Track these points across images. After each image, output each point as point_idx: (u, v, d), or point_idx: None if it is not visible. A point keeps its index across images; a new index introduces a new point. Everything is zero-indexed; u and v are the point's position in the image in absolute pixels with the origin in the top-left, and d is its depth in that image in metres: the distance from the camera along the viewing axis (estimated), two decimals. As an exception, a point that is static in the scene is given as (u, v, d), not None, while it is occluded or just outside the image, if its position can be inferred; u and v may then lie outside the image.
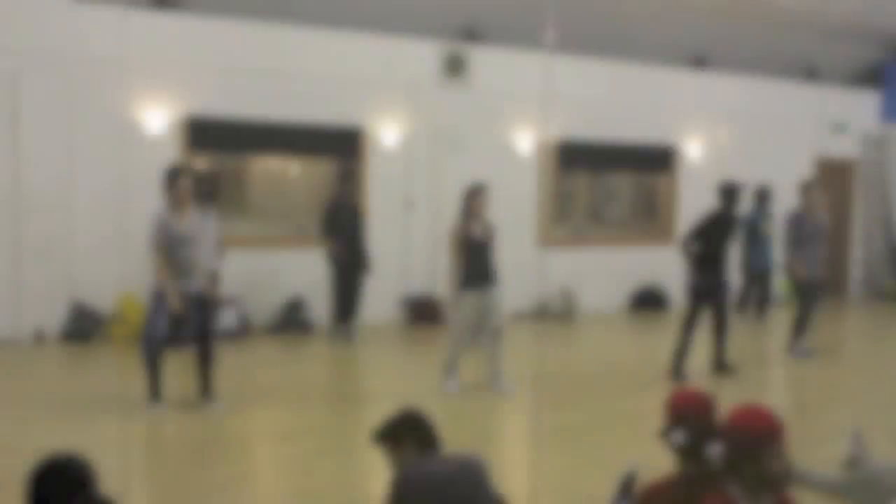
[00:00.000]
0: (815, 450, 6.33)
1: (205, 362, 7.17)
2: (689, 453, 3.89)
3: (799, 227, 9.72)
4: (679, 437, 3.87)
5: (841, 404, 8.13)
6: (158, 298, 6.94)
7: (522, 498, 4.83)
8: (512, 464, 5.99)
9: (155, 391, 7.01)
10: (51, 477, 2.79)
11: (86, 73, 9.69)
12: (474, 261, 7.85)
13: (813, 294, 9.78)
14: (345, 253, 10.15)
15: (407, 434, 4.07)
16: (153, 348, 6.97)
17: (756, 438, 3.46)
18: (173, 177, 7.04)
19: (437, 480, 3.89)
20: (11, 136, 9.60)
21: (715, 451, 3.63)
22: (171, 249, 6.95)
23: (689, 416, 3.86)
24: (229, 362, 8.61)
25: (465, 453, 4.14)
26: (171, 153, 10.29)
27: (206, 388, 7.20)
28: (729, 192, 8.82)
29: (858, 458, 5.96)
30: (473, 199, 7.91)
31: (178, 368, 8.15)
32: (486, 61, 12.04)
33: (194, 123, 10.44)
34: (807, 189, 9.94)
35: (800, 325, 9.89)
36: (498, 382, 7.92)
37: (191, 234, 6.99)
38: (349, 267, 10.23)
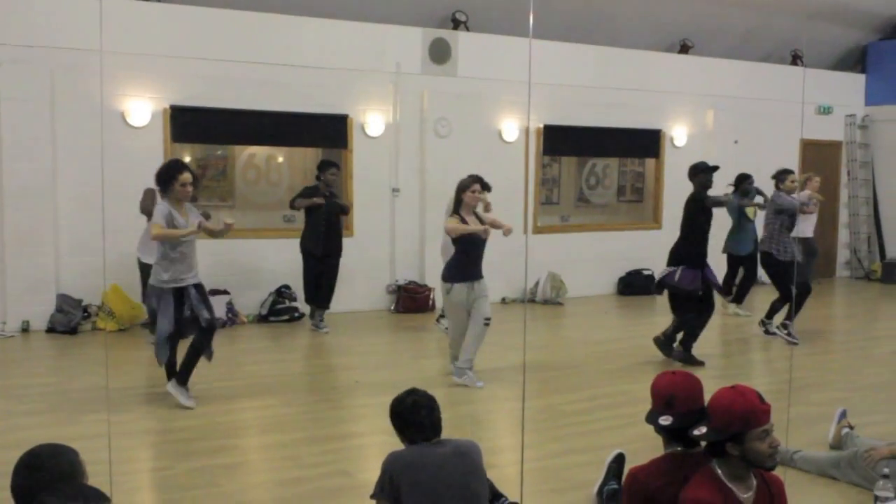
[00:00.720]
0: (803, 430, 6.34)
1: (197, 354, 7.01)
2: (676, 435, 3.91)
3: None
4: (666, 419, 3.88)
5: (829, 385, 8.15)
6: (158, 298, 6.88)
7: (511, 482, 4.83)
8: (501, 449, 5.98)
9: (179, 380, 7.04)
10: (38, 468, 2.76)
11: (67, 63, 9.60)
12: (466, 254, 7.76)
13: (787, 277, 9.77)
14: (313, 241, 10.06)
15: (396, 426, 4.07)
16: (165, 352, 6.96)
17: (741, 419, 3.47)
18: (174, 172, 6.90)
19: (430, 463, 3.89)
20: (-7, 129, 9.54)
21: (701, 433, 3.63)
22: (172, 245, 6.86)
23: (676, 399, 3.87)
24: (216, 353, 8.55)
25: (460, 439, 4.14)
26: (155, 143, 10.24)
27: (186, 378, 7.05)
28: (695, 172, 8.79)
29: (846, 437, 6.00)
30: (464, 191, 7.82)
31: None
32: (472, 48, 12.01)
33: (178, 113, 10.38)
34: (783, 175, 10.00)
35: (772, 308, 9.98)
36: (468, 374, 7.74)
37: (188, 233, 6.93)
38: (317, 255, 10.11)
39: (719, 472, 3.58)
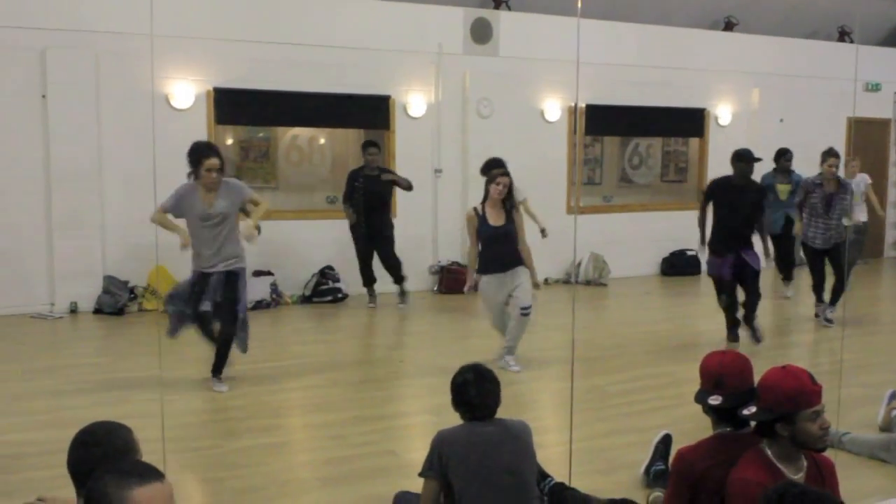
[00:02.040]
0: (852, 412, 6.27)
1: (224, 345, 6.90)
2: (725, 416, 3.87)
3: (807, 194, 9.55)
4: (715, 399, 3.85)
5: (878, 366, 8.04)
6: (193, 279, 6.89)
7: (557, 463, 4.83)
8: (547, 429, 5.97)
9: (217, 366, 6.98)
10: (94, 444, 2.81)
11: (112, 47, 9.69)
12: (486, 248, 7.55)
13: (816, 261, 9.64)
14: (355, 221, 10.12)
15: (454, 402, 4.07)
16: (198, 325, 6.99)
17: (792, 400, 3.44)
18: (200, 156, 6.64)
19: (479, 442, 3.90)
20: (40, 113, 9.66)
21: (750, 413, 3.60)
22: (193, 230, 6.74)
23: (725, 379, 3.83)
24: (261, 333, 8.65)
25: (511, 419, 4.13)
26: (199, 126, 10.30)
27: (220, 368, 6.98)
28: (737, 159, 8.46)
29: (895, 418, 5.92)
30: (490, 183, 7.55)
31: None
32: (514, 27, 11.94)
33: (221, 95, 10.44)
34: (823, 156, 9.58)
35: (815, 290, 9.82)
36: (508, 357, 7.61)
37: (217, 212, 6.70)
38: (366, 236, 10.19)
39: (769, 452, 3.55)
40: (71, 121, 9.73)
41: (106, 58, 9.76)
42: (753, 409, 3.59)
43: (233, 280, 6.76)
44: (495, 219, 7.50)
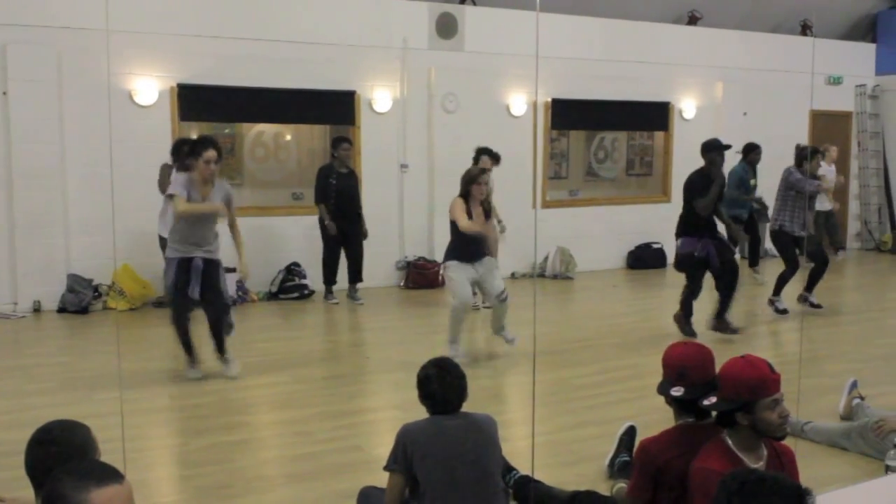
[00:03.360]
0: (815, 401, 6.35)
1: (215, 329, 7.16)
2: (688, 407, 3.91)
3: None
4: (678, 390, 3.89)
5: (840, 356, 8.15)
6: (168, 269, 7.02)
7: (523, 456, 4.85)
8: (513, 423, 5.99)
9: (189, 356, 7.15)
10: (51, 443, 2.78)
11: (74, 43, 9.58)
12: (462, 238, 7.55)
13: (787, 252, 9.76)
14: (329, 219, 10.14)
15: (420, 396, 4.07)
16: (177, 314, 7.06)
17: (751, 389, 3.48)
18: (201, 148, 6.92)
19: (444, 436, 3.90)
20: (1, 110, 9.53)
21: (711, 403, 3.64)
22: (186, 222, 6.93)
23: (688, 370, 3.87)
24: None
25: (476, 413, 4.15)
26: (163, 122, 10.24)
27: (222, 349, 7.22)
28: (707, 149, 8.55)
29: (856, 407, 6.00)
30: (472, 184, 7.59)
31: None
32: (479, 22, 11.95)
33: (185, 92, 10.36)
34: (812, 154, 9.78)
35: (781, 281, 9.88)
36: (503, 332, 7.81)
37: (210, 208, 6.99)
38: (340, 232, 10.21)
39: (730, 442, 3.59)
40: (33, 118, 9.61)
41: (68, 54, 9.65)
42: (714, 399, 3.64)
43: (215, 267, 7.07)
44: (476, 215, 7.59)
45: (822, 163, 12.15)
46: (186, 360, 7.17)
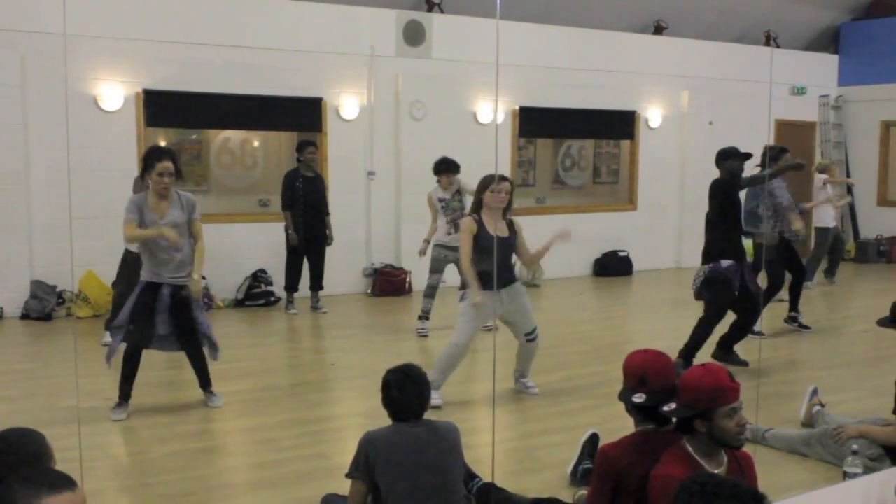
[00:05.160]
0: (776, 409, 6.43)
1: (195, 359, 6.61)
2: (649, 414, 3.94)
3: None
4: (639, 397, 3.92)
5: (801, 364, 8.25)
6: (141, 289, 6.34)
7: (487, 463, 4.85)
8: (478, 430, 6.01)
9: (125, 392, 6.40)
10: (5, 452, 2.76)
11: (38, 48, 9.48)
12: (485, 260, 6.47)
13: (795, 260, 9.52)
14: (294, 227, 10.06)
15: (382, 402, 4.07)
16: (130, 345, 6.37)
17: (710, 397, 3.52)
18: (153, 159, 6.19)
19: (406, 443, 3.91)
20: (-36, 114, 9.45)
21: (671, 409, 3.68)
22: (146, 246, 6.30)
23: (649, 377, 3.91)
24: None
25: (439, 420, 4.16)
26: (128, 128, 10.18)
27: (208, 382, 6.70)
28: (724, 157, 7.66)
29: (817, 414, 6.07)
30: (485, 190, 6.58)
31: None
32: (446, 30, 11.98)
33: (151, 97, 10.31)
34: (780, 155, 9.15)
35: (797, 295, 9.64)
36: (524, 381, 7.07)
37: (171, 222, 6.26)
38: (304, 240, 10.15)
39: (689, 448, 3.63)
40: (-5, 123, 9.53)
41: (31, 58, 9.57)
42: (673, 405, 3.68)
43: (184, 296, 6.38)
44: (495, 228, 6.54)
45: (826, 184, 12.07)
46: (118, 398, 6.36)
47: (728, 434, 3.54)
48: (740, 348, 7.91)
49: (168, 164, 6.17)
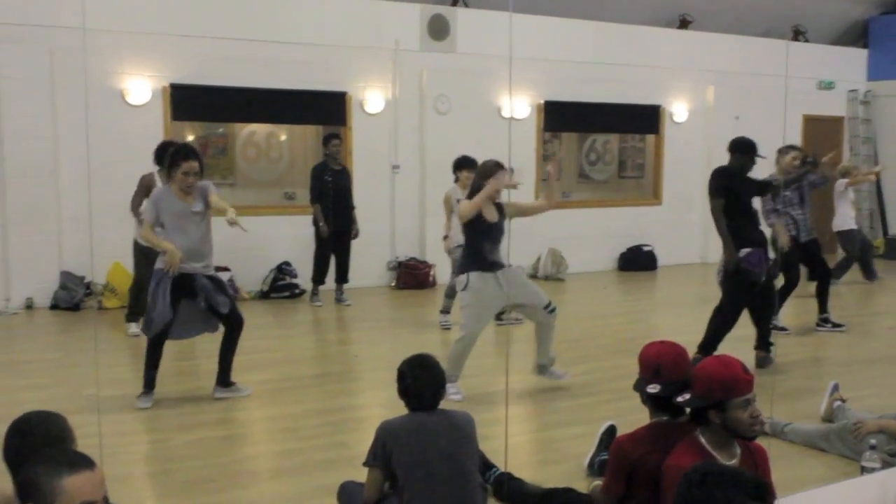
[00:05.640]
0: (797, 403, 6.43)
1: (230, 349, 6.66)
2: (663, 405, 3.98)
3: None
4: (653, 387, 3.95)
5: (825, 360, 8.22)
6: (157, 282, 6.36)
7: (503, 453, 4.90)
8: (494, 422, 6.04)
9: (149, 381, 6.49)
10: (28, 433, 2.85)
11: (66, 42, 9.58)
12: (483, 241, 6.62)
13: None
14: (324, 220, 10.12)
15: (400, 388, 4.14)
16: (155, 334, 6.42)
17: (724, 388, 3.54)
18: (179, 159, 6.33)
19: (422, 432, 3.97)
20: (-6, 108, 9.60)
21: (684, 399, 3.70)
22: (175, 230, 6.36)
23: (663, 368, 3.94)
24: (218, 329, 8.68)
25: (455, 410, 4.22)
26: (155, 122, 10.29)
27: (228, 377, 6.71)
28: (735, 148, 7.52)
29: (837, 410, 6.06)
30: (488, 177, 6.62)
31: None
32: (471, 24, 12.00)
33: (177, 91, 10.42)
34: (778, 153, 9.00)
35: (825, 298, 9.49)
36: (549, 369, 6.99)
37: (198, 211, 6.41)
38: (332, 233, 10.22)
39: (702, 440, 3.65)
40: (25, 116, 9.67)
41: (61, 53, 9.69)
42: (687, 395, 3.70)
43: (219, 282, 6.55)
44: (490, 214, 6.69)
45: (848, 188, 11.88)
46: (143, 386, 6.47)
47: (742, 425, 3.56)
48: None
49: (194, 164, 6.33)
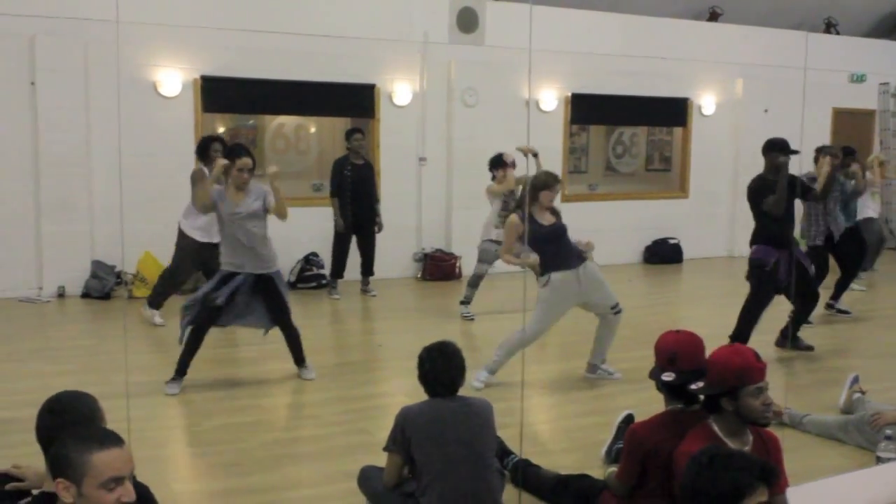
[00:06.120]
0: (818, 394, 6.47)
1: (292, 339, 7.02)
2: (677, 393, 4.04)
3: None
4: (668, 376, 4.02)
5: (848, 352, 8.23)
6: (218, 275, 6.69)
7: (526, 440, 4.99)
8: (515, 410, 6.13)
9: (182, 367, 6.67)
10: (59, 412, 2.98)
11: (101, 35, 9.72)
12: (552, 245, 6.82)
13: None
14: (341, 214, 10.21)
15: (420, 374, 4.26)
16: (197, 326, 6.63)
17: (736, 375, 3.61)
18: (233, 156, 6.66)
19: (440, 418, 4.07)
20: (29, 100, 9.76)
21: (698, 387, 3.77)
22: (228, 229, 6.68)
23: (678, 357, 4.01)
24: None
25: (474, 397, 4.32)
26: (186, 114, 10.44)
27: (302, 359, 7.05)
28: (769, 148, 7.48)
29: (857, 401, 6.09)
30: (543, 190, 6.86)
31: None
32: (499, 17, 12.01)
33: (208, 84, 10.56)
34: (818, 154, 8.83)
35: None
36: (603, 367, 7.17)
37: (248, 212, 6.68)
38: (353, 225, 10.30)
39: (715, 427, 3.72)
40: (60, 107, 9.83)
41: (95, 45, 9.84)
42: (701, 383, 3.77)
43: (272, 285, 6.77)
44: (546, 219, 6.90)
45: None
46: (175, 372, 6.65)
47: (754, 412, 3.63)
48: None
49: (248, 161, 6.68)
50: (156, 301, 8.80)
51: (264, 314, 6.86)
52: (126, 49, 9.98)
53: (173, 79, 10.38)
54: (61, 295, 9.99)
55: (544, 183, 6.87)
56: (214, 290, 6.57)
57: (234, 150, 6.82)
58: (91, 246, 10.11)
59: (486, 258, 9.28)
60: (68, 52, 9.84)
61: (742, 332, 7.42)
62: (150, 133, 10.14)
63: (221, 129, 11.57)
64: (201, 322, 6.62)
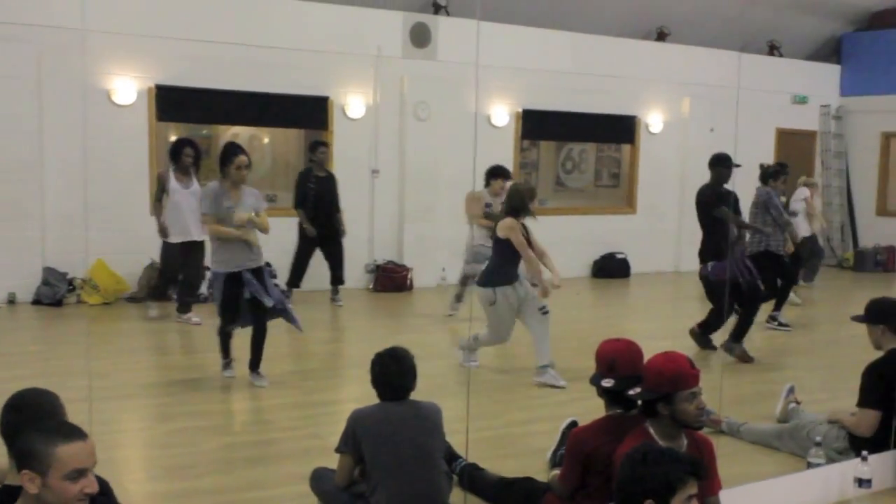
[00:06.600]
0: (756, 405, 6.70)
1: (258, 341, 7.15)
2: (617, 399, 4.23)
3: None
4: (608, 382, 4.21)
5: (787, 365, 8.49)
6: (213, 281, 7.11)
7: (473, 446, 5.13)
8: (463, 417, 6.28)
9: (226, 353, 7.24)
10: (22, 408, 3.10)
11: (53, 42, 9.75)
12: (508, 256, 7.34)
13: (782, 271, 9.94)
14: (308, 223, 10.33)
15: (372, 378, 4.39)
16: (224, 325, 7.15)
17: (671, 381, 3.80)
18: (231, 154, 6.93)
19: (391, 421, 4.21)
20: (-20, 105, 9.76)
21: (636, 392, 3.96)
22: (227, 226, 6.89)
23: (617, 363, 4.20)
24: (199, 328, 8.91)
25: (423, 401, 4.46)
26: (140, 122, 10.49)
27: (257, 364, 7.16)
28: (715, 163, 8.39)
29: (791, 411, 6.33)
30: (533, 199, 7.49)
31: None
32: (452, 33, 12.21)
33: (163, 93, 10.62)
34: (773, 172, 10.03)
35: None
36: (550, 372, 7.38)
37: (246, 208, 6.96)
38: (318, 236, 10.41)
39: (652, 431, 3.91)
40: (11, 113, 9.82)
41: (47, 52, 9.86)
42: (638, 389, 3.97)
43: (261, 274, 7.05)
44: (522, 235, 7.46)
45: (804, 188, 12.41)
46: (223, 363, 7.23)
47: (688, 416, 3.83)
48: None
49: (244, 158, 6.98)
50: (183, 307, 9.32)
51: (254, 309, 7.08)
52: (80, 57, 10.00)
53: (128, 87, 10.42)
54: (12, 301, 9.96)
55: (532, 194, 7.51)
56: (226, 299, 6.97)
57: (230, 150, 7.07)
58: (42, 252, 10.10)
59: (477, 259, 9.33)
60: (21, 58, 9.84)
61: (711, 324, 8.43)
62: (104, 141, 10.17)
63: (174, 138, 11.59)
64: (224, 324, 7.15)
